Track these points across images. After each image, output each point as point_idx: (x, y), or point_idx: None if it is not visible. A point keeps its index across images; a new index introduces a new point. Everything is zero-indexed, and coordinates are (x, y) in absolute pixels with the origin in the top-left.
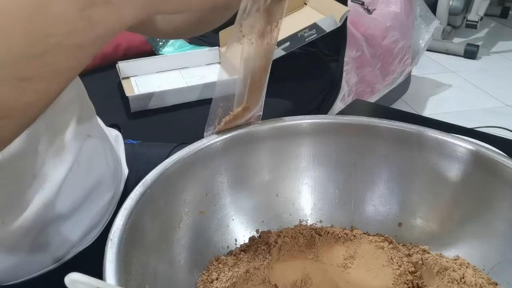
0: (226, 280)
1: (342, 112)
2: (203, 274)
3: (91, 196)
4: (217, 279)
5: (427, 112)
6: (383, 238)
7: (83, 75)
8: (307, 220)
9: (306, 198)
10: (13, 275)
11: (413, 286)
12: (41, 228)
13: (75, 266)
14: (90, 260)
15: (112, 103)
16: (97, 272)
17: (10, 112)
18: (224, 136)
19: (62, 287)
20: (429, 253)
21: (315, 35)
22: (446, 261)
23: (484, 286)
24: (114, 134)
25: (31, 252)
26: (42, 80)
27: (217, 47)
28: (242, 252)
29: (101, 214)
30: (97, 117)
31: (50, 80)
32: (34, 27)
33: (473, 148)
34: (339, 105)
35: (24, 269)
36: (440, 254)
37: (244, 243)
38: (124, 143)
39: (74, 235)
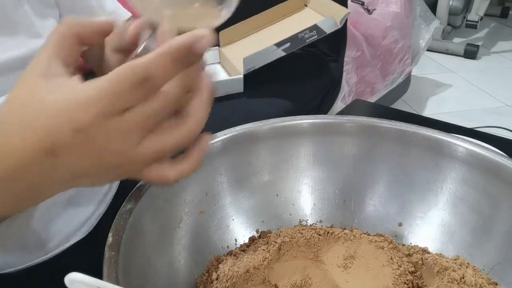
0: (226, 280)
1: (342, 112)
2: (203, 274)
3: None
4: (217, 279)
5: (427, 112)
6: (383, 238)
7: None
8: (307, 220)
9: (306, 198)
10: (4, 264)
11: (413, 286)
12: (32, 216)
13: (67, 258)
14: (82, 254)
15: None
16: (89, 266)
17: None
18: (224, 136)
19: (56, 278)
20: (429, 253)
21: (316, 36)
22: (446, 261)
23: (484, 286)
24: None
25: (22, 241)
26: None
27: (217, 47)
28: (242, 252)
29: (95, 204)
30: None
31: None
32: None
33: (473, 148)
34: (339, 105)
35: (14, 260)
36: (440, 254)
37: (244, 243)
38: None
39: (66, 226)
